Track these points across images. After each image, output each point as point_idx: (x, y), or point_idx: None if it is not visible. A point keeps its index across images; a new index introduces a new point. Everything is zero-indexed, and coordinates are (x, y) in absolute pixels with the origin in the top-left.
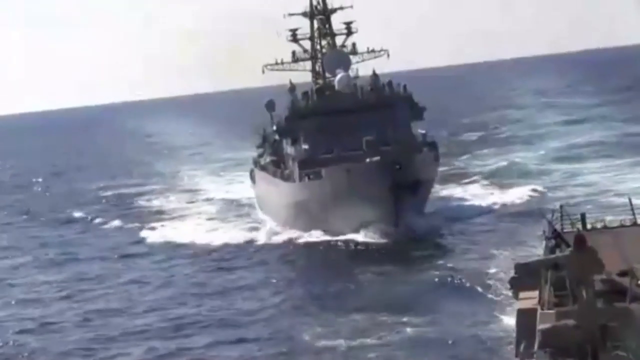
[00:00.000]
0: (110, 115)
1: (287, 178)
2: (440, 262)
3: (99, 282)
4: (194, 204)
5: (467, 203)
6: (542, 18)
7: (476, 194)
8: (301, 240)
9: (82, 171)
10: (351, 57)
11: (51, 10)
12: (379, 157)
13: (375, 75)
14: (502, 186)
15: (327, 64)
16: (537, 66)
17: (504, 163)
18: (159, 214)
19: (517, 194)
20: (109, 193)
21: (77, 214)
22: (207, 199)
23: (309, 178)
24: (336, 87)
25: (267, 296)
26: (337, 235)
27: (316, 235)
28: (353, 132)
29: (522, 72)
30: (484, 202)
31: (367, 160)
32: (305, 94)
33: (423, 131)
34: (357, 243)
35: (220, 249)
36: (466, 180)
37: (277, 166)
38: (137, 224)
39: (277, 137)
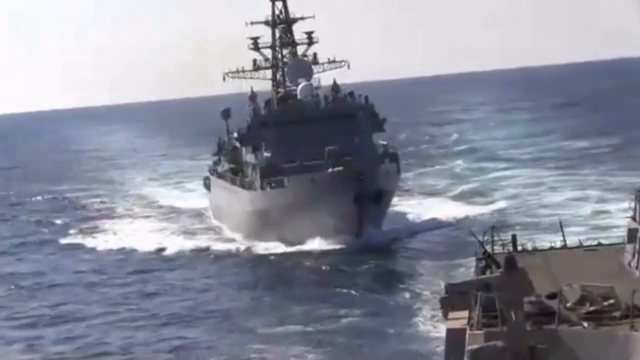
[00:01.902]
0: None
1: (247, 186)
2: (385, 275)
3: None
4: (143, 212)
5: (413, 216)
6: (508, 33)
7: (418, 207)
8: (258, 248)
9: (24, 177)
10: (312, 67)
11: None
12: (341, 167)
13: (336, 85)
14: (443, 201)
15: (289, 73)
16: (489, 80)
17: (438, 178)
18: (104, 221)
19: (458, 211)
20: (50, 197)
21: (18, 219)
22: (158, 207)
23: (270, 186)
24: (298, 96)
25: (221, 296)
26: (298, 244)
27: (275, 244)
28: (315, 141)
29: (473, 86)
30: (426, 216)
31: (330, 170)
32: (267, 102)
33: (384, 142)
34: (316, 252)
35: (171, 257)
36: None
37: (235, 174)
38: (81, 233)
39: (237, 144)
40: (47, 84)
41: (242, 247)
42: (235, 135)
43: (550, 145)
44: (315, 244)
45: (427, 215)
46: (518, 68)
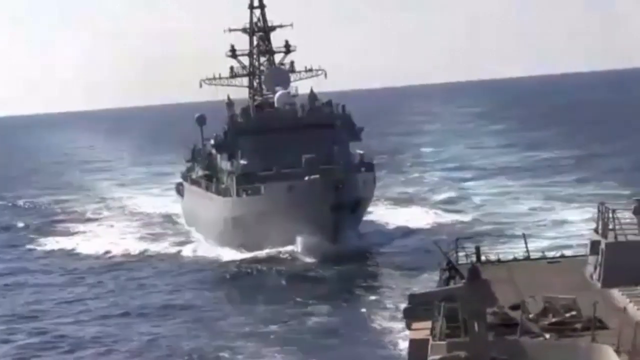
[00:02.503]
0: (30, 127)
1: (223, 193)
2: (355, 284)
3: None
4: (113, 217)
5: (384, 225)
6: (477, 45)
7: (388, 216)
8: (231, 254)
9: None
10: (290, 75)
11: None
12: (318, 175)
13: (313, 94)
14: (412, 210)
15: (266, 80)
16: (463, 91)
17: (405, 187)
18: (73, 225)
19: (426, 220)
20: (13, 203)
21: None
22: (128, 212)
23: (246, 193)
24: (275, 104)
25: (192, 300)
26: (273, 251)
27: (249, 250)
28: (292, 150)
29: (443, 97)
30: (397, 225)
31: (307, 178)
32: (244, 110)
33: (361, 152)
34: (291, 259)
35: (143, 261)
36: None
37: (209, 181)
38: (50, 236)
39: (213, 151)
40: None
41: (215, 253)
42: (212, 141)
43: (514, 157)
44: (291, 252)
45: (398, 224)
46: (487, 80)
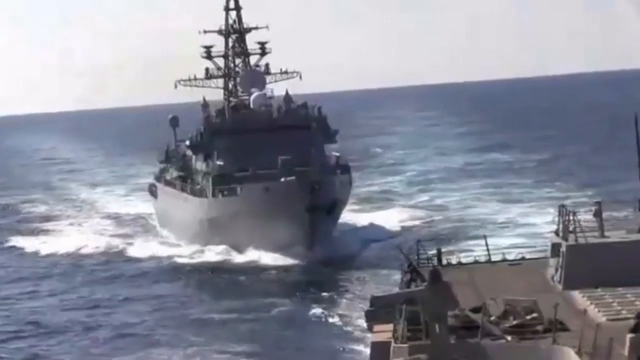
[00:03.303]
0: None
1: (198, 193)
2: (319, 286)
3: None
4: (84, 218)
5: (355, 227)
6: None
7: (357, 218)
8: (205, 255)
9: None
10: (265, 77)
11: None
12: (294, 177)
13: (288, 96)
14: (377, 213)
15: (242, 82)
16: (431, 94)
17: (370, 189)
18: (44, 225)
19: (393, 222)
20: None
21: None
22: (99, 213)
23: (223, 194)
24: (251, 105)
25: (163, 300)
26: (248, 252)
27: (224, 251)
28: (268, 151)
29: (412, 100)
30: (359, 226)
31: (283, 179)
32: (220, 111)
33: (337, 154)
34: (266, 261)
35: (117, 263)
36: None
37: (184, 182)
38: (17, 236)
39: (189, 152)
40: None
41: (188, 254)
42: (187, 142)
43: (476, 159)
44: (266, 253)
45: (360, 225)
46: (452, 83)
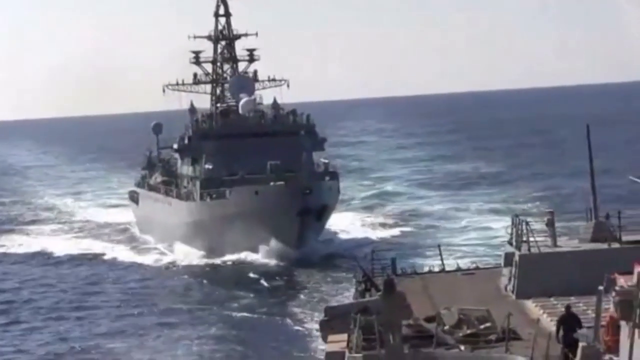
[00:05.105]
0: None
1: (185, 197)
2: (274, 296)
3: None
4: (64, 225)
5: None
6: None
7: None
8: (186, 259)
9: None
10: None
11: None
12: (283, 182)
13: (276, 103)
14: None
15: (231, 88)
16: (390, 106)
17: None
18: (21, 229)
19: (346, 232)
20: None
21: None
22: (79, 220)
23: (211, 197)
24: (240, 111)
25: (141, 304)
26: (235, 255)
27: (208, 254)
28: (257, 156)
29: (381, 111)
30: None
31: (272, 184)
32: (209, 115)
33: (326, 160)
34: (254, 264)
35: (95, 267)
36: None
37: (169, 186)
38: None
39: (175, 155)
40: None
41: (170, 258)
42: (175, 146)
43: (432, 169)
44: (254, 256)
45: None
46: (421, 95)
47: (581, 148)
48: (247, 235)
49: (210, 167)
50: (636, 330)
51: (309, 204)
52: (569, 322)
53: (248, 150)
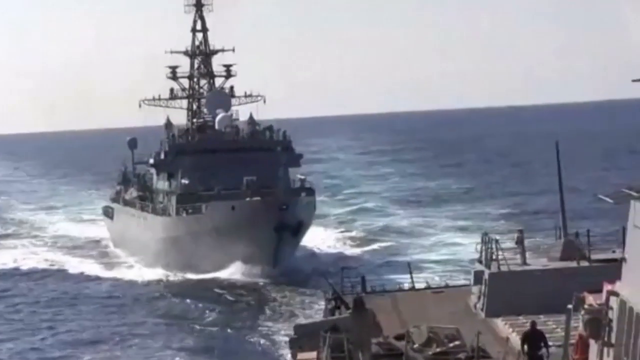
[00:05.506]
0: None
1: (160, 212)
2: (272, 306)
3: None
4: (37, 240)
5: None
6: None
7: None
8: (161, 274)
9: None
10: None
11: None
12: (259, 197)
13: (252, 119)
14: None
15: (208, 103)
16: (361, 124)
17: None
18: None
19: (316, 249)
20: None
21: None
22: (51, 235)
23: (187, 212)
24: (216, 126)
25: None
26: (210, 271)
27: (184, 270)
28: (233, 171)
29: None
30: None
31: (248, 199)
32: (186, 131)
33: (302, 177)
34: (228, 280)
35: (69, 283)
36: None
37: (144, 201)
38: None
39: (151, 170)
40: None
41: (143, 272)
42: (151, 161)
43: (403, 186)
44: (229, 271)
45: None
46: (390, 113)
47: (550, 165)
48: (223, 251)
49: (187, 182)
50: (605, 349)
51: (285, 220)
52: (533, 339)
53: (224, 166)
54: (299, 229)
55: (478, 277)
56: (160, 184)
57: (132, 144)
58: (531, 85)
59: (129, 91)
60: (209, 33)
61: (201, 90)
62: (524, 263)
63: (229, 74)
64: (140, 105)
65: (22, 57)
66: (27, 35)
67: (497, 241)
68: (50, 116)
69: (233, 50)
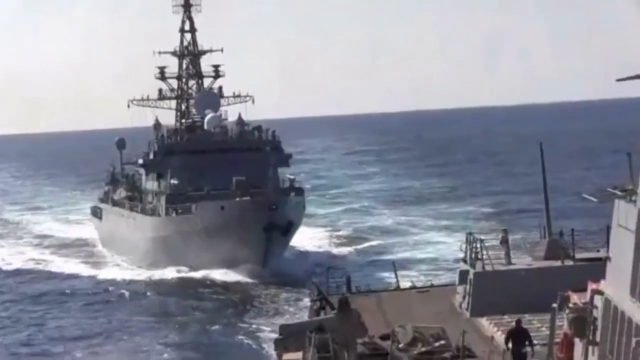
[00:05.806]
0: None
1: (149, 212)
2: (229, 312)
3: None
4: (23, 240)
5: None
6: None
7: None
8: (152, 274)
9: None
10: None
11: None
12: (248, 197)
13: (241, 119)
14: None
15: (197, 104)
16: (346, 124)
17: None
18: None
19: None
20: None
21: None
22: (38, 235)
23: (176, 212)
24: (205, 126)
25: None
26: (199, 271)
27: (173, 270)
28: (222, 171)
29: (334, 129)
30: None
31: (237, 199)
32: (174, 131)
33: (292, 177)
34: (217, 280)
35: (55, 282)
36: None
37: (133, 201)
38: None
39: (140, 171)
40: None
41: (131, 272)
42: (140, 161)
43: (388, 186)
44: (218, 272)
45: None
46: (365, 114)
47: (534, 165)
48: (213, 250)
49: (176, 182)
50: (590, 347)
51: (274, 220)
52: (518, 336)
53: (213, 166)
54: (289, 229)
55: (463, 277)
56: (150, 184)
57: (121, 144)
58: (528, 85)
59: (117, 92)
60: (197, 33)
61: (190, 91)
62: (509, 262)
63: (217, 75)
64: (129, 106)
65: (5, 57)
66: (8, 36)
67: (481, 241)
68: (35, 118)
69: (222, 50)
